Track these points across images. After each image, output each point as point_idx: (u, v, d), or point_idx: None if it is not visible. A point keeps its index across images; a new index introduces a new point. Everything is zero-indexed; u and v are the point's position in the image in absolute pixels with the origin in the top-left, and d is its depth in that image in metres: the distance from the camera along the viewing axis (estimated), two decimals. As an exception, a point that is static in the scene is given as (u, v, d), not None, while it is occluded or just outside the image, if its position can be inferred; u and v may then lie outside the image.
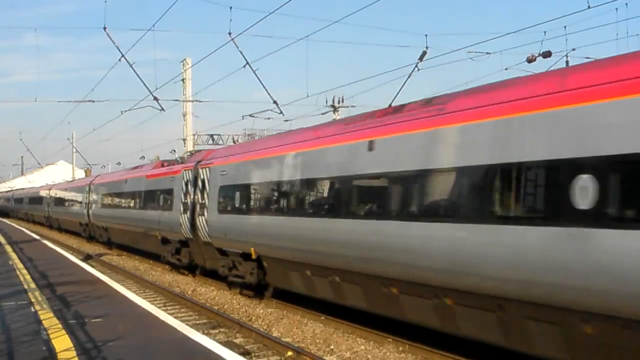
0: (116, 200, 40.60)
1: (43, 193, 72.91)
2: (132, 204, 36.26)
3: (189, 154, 31.82)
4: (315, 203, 17.42)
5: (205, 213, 23.96)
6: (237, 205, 21.73)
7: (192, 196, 25.72)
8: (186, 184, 26.64)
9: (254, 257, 20.48)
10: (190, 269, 28.25)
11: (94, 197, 46.53)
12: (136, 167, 40.00)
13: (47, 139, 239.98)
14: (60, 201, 61.33)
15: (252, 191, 20.97)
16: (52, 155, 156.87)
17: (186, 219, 26.14)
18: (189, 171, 26.52)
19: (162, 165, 32.59)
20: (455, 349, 13.62)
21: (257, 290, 21.59)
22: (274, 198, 19.49)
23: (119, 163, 76.48)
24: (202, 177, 24.85)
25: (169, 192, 29.01)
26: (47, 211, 68.20)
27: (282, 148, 19.24)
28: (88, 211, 47.64)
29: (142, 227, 33.37)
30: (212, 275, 25.92)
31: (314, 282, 17.46)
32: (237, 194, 21.74)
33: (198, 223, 24.75)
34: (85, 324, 14.33)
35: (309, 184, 17.51)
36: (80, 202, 51.04)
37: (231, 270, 22.44)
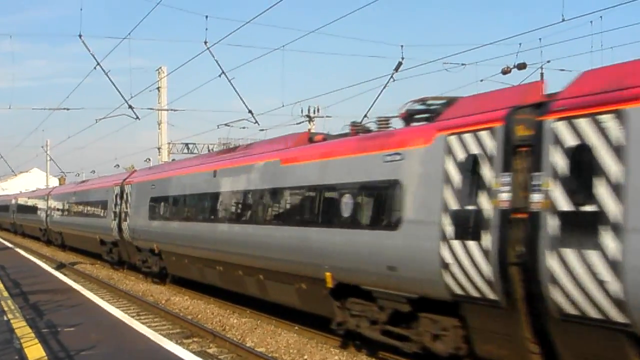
0: (68, 209, 46.55)
1: (9, 201, 79.62)
2: (80, 212, 42.59)
3: (124, 170, 42.90)
4: (182, 212, 24.95)
5: (128, 219, 30.73)
6: (145, 213, 28.45)
7: (119, 206, 32.29)
8: (115, 197, 33.23)
9: (156, 251, 27.43)
10: (120, 264, 34.92)
11: (51, 205, 52.56)
12: (83, 181, 48.71)
13: (21, 146, 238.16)
14: (23, 209, 67.82)
15: (154, 203, 27.69)
16: (26, 163, 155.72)
17: (115, 224, 32.59)
18: (118, 187, 33.11)
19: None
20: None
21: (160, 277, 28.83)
22: (166, 208, 26.46)
23: (93, 171, 76.17)
24: (126, 191, 31.60)
25: (104, 203, 35.37)
26: (13, 218, 75.03)
27: (168, 172, 27.33)
28: (46, 218, 53.64)
29: (85, 231, 39.92)
30: (185, 283, 25.89)
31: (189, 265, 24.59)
32: (146, 205, 28.42)
33: (124, 227, 31.27)
34: (58, 333, 14.28)
35: (180, 198, 25.18)
36: (40, 210, 57.30)
37: (144, 263, 29.42)
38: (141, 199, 29.17)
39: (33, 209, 61.37)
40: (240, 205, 20.58)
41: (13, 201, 75.89)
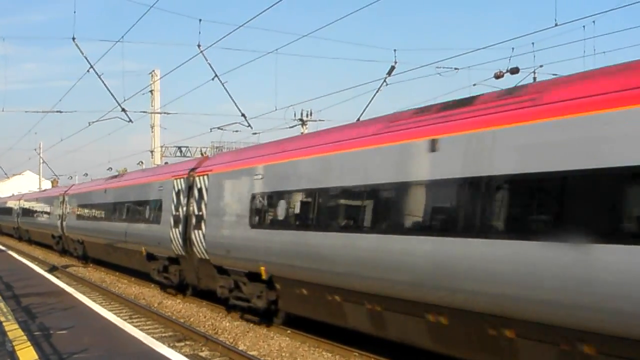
0: (94, 211, 38.08)
1: (12, 203, 71.27)
2: (113, 216, 33.93)
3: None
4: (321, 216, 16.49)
5: (204, 227, 21.69)
6: (241, 217, 19.55)
7: (184, 208, 23.68)
8: (177, 194, 24.58)
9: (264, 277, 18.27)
10: (181, 288, 26.13)
11: (69, 207, 44.22)
12: (117, 175, 39.15)
13: (14, 149, 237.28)
14: (30, 212, 59.57)
15: (263, 202, 18.59)
16: (19, 166, 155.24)
17: (177, 233, 24.16)
18: (181, 180, 24.42)
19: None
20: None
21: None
22: (286, 211, 17.43)
23: (86, 174, 76.11)
24: (198, 186, 22.67)
25: (157, 203, 27.13)
26: (17, 222, 66.22)
27: (287, 153, 17.71)
28: (62, 223, 45.45)
29: (121, 241, 31.70)
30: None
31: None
32: (243, 205, 19.62)
33: (194, 238, 22.49)
34: (51, 335, 14.27)
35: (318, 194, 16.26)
36: (53, 213, 48.82)
37: (232, 292, 20.46)
38: (231, 196, 20.56)
39: (44, 212, 53.02)
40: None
41: (17, 203, 67.22)
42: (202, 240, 21.64)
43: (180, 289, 25.81)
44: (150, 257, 27.47)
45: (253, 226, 18.50)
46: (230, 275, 20.13)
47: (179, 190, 24.38)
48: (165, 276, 26.34)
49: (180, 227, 23.64)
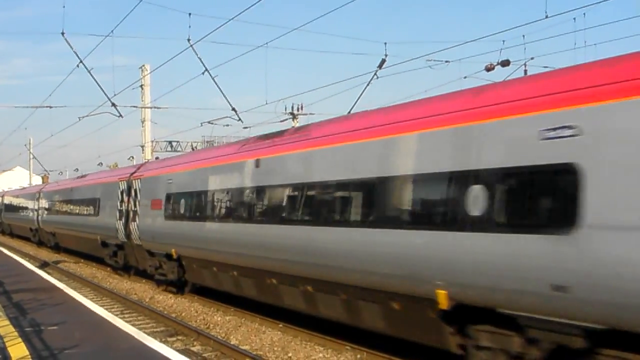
0: (62, 207, 43.50)
1: None
2: (77, 211, 39.30)
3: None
4: (212, 210, 21.82)
5: (137, 219, 27.40)
6: (160, 212, 25.38)
7: (126, 204, 29.12)
8: (121, 193, 29.97)
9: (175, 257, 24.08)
10: (126, 269, 31.46)
11: (42, 204, 49.90)
12: (82, 176, 44.07)
13: (4, 144, 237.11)
14: (12, 208, 65.21)
15: (173, 200, 24.18)
16: (9, 161, 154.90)
17: (121, 225, 29.43)
18: (124, 182, 29.83)
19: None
20: (413, 357, 13.75)
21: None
22: (189, 206, 22.66)
23: (76, 169, 75.93)
24: (134, 187, 28.32)
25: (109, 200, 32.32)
26: (1, 217, 71.62)
27: (189, 164, 23.50)
28: (38, 217, 50.64)
29: (83, 232, 36.67)
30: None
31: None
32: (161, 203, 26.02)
33: (132, 228, 28.08)
34: (42, 331, 14.25)
35: (210, 194, 21.69)
36: (31, 209, 54.38)
37: (158, 269, 25.96)
38: (154, 195, 25.80)
39: (23, 207, 58.83)
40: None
41: (1, 199, 73.18)
42: (137, 230, 27.20)
43: (125, 269, 31.34)
44: (104, 244, 32.58)
45: (167, 218, 24.10)
46: (155, 256, 25.50)
47: (122, 190, 29.89)
48: (115, 260, 31.67)
49: (124, 219, 29.06)
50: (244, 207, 18.59)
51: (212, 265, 20.88)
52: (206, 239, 20.76)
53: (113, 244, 31.14)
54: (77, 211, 38.84)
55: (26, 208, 57.32)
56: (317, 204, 15.16)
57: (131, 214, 28.13)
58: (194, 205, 22.05)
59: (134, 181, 28.46)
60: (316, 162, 15.46)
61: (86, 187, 37.86)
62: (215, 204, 20.61)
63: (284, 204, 16.59)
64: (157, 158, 42.59)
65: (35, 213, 51.93)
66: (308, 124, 19.01)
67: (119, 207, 30.00)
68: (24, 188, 70.83)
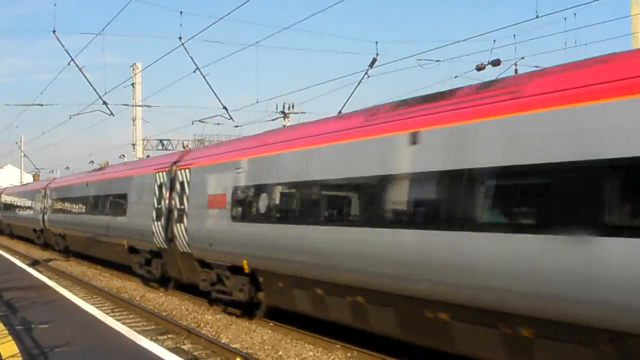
0: (75, 205, 37.75)
1: None
2: (94, 210, 33.47)
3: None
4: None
5: (186, 220, 21.38)
6: (223, 211, 19.27)
7: (166, 202, 23.36)
8: (159, 188, 24.28)
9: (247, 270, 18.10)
10: (163, 281, 25.86)
11: (50, 201, 44.16)
12: (99, 169, 37.94)
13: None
14: (12, 206, 59.19)
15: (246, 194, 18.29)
16: (0, 160, 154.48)
17: (159, 227, 23.74)
18: (163, 173, 24.15)
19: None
20: (404, 356, 13.77)
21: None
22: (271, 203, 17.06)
23: (67, 168, 75.79)
24: (180, 179, 22.44)
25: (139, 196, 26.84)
26: None
27: (269, 147, 17.57)
28: (43, 217, 45.29)
29: (103, 234, 31.27)
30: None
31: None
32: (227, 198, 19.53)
33: (176, 231, 22.14)
34: (32, 329, 14.22)
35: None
36: (35, 207, 48.64)
37: (214, 285, 20.24)
38: (213, 189, 20.00)
39: (25, 206, 52.83)
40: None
41: None
42: (184, 234, 21.41)
43: (162, 282, 25.59)
44: (132, 250, 27.21)
45: (235, 219, 18.28)
46: (213, 268, 19.94)
47: (161, 184, 24.07)
48: (147, 269, 26.10)
49: (163, 220, 23.30)
50: (386, 206, 12.60)
51: (315, 285, 14.97)
52: (309, 249, 14.67)
53: (146, 250, 25.56)
54: (96, 210, 32.64)
55: (29, 206, 51.04)
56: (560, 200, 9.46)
57: (175, 214, 22.25)
58: (285, 202, 16.47)
59: (178, 172, 22.64)
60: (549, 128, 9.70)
61: (108, 181, 31.57)
62: (325, 200, 14.80)
63: (480, 199, 10.67)
64: (148, 156, 42.43)
65: (40, 212, 46.10)
66: (521, 74, 13.28)
67: (156, 205, 24.26)
68: (26, 184, 66.09)
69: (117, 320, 16.76)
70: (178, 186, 22.42)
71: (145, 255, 25.93)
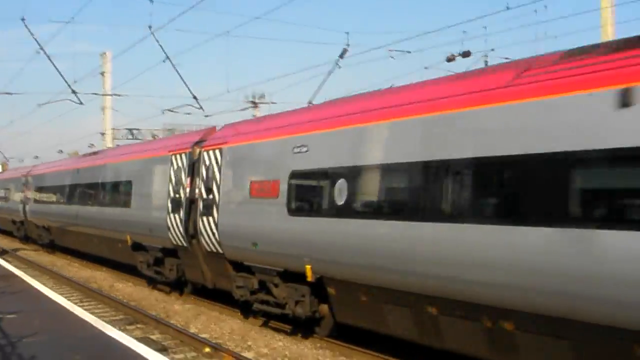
0: (64, 194, 33.21)
1: None
2: (89, 200, 29.21)
3: None
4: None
5: (217, 213, 17.45)
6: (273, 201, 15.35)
7: (186, 190, 19.52)
8: (175, 173, 20.35)
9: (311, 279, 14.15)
10: (178, 285, 21.92)
11: (32, 189, 40.17)
12: (92, 153, 33.46)
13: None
14: None
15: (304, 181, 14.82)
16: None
17: (177, 220, 19.91)
18: (181, 155, 20.13)
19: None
20: (373, 347, 13.89)
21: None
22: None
23: (36, 157, 75.12)
24: (206, 162, 18.41)
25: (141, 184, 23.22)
26: None
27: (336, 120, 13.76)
28: (24, 207, 41.18)
29: (98, 228, 27.50)
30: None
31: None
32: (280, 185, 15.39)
33: (200, 227, 18.25)
34: (1, 320, 14.17)
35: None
36: (14, 196, 44.96)
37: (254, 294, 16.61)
38: (259, 175, 16.14)
39: (3, 196, 49.11)
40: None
41: None
42: (214, 229, 17.52)
43: (177, 286, 22.00)
44: (137, 247, 23.41)
45: (293, 212, 14.57)
46: (255, 273, 16.31)
47: (178, 168, 20.16)
48: (156, 270, 22.42)
49: (181, 212, 19.55)
50: (575, 197, 8.68)
51: (424, 302, 11.22)
52: (423, 254, 10.86)
53: (157, 247, 21.58)
54: (90, 200, 28.51)
55: (6, 197, 47.38)
56: None
57: (200, 205, 18.26)
58: (384, 191, 12.59)
59: (205, 154, 18.50)
60: None
61: (107, 166, 27.28)
62: (458, 188, 10.47)
63: None
64: (117, 146, 42.10)
65: (21, 202, 41.96)
66: None
67: (171, 195, 20.26)
68: (2, 172, 61.86)
69: (86, 310, 16.74)
70: (204, 171, 18.40)
71: (155, 253, 22.06)
